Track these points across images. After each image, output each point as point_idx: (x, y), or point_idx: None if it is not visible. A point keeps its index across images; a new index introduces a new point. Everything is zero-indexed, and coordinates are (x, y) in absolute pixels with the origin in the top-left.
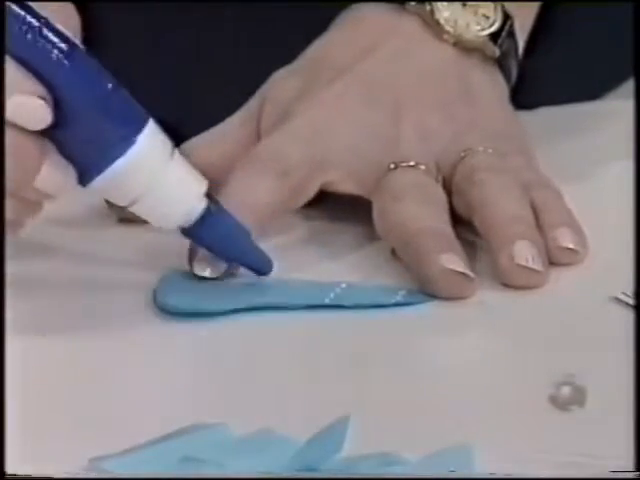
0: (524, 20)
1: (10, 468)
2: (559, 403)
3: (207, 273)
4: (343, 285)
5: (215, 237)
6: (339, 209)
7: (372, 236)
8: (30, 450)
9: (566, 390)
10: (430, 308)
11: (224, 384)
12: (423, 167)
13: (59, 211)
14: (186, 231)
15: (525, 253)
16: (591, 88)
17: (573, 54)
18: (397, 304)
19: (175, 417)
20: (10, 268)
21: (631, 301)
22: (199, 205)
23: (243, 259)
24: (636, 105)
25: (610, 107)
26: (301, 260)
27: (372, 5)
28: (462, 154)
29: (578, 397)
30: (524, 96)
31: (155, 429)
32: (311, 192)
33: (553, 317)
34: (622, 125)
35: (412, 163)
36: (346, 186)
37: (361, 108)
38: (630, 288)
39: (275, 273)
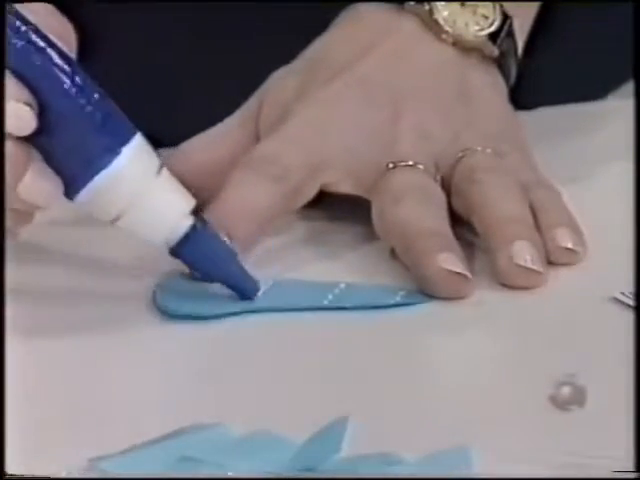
0: (523, 20)
1: (10, 468)
2: (559, 403)
3: None
4: (342, 286)
5: (200, 256)
6: (338, 209)
7: (371, 236)
8: (30, 450)
9: (566, 390)
10: (429, 308)
11: (223, 384)
12: (421, 167)
13: (59, 213)
14: (171, 249)
15: (524, 253)
16: (591, 89)
17: (573, 54)
18: (396, 305)
19: (174, 417)
20: (10, 269)
21: (631, 301)
22: (185, 223)
23: (228, 280)
24: (636, 105)
25: (610, 107)
26: (300, 260)
27: (371, 5)
28: (460, 154)
29: (578, 397)
30: (524, 96)
31: (154, 429)
32: (310, 194)
33: (553, 317)
34: (622, 125)
35: (410, 163)
36: (345, 187)
37: (359, 108)
38: (630, 288)
39: (274, 274)
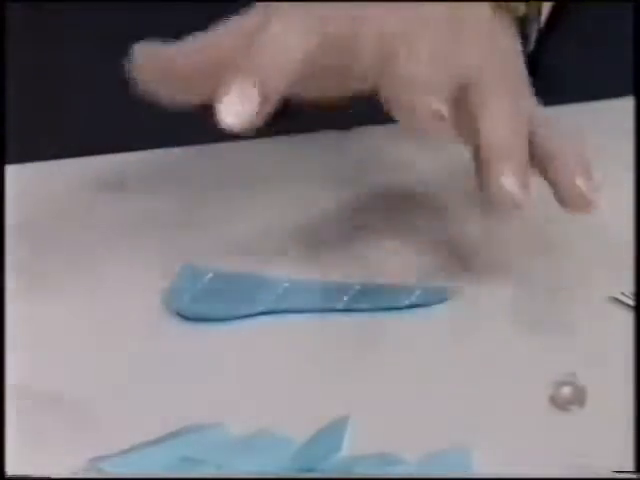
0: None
1: (10, 468)
2: (559, 403)
3: (230, 120)
4: (357, 287)
5: None
6: (352, 208)
7: (386, 235)
8: (30, 450)
9: (566, 390)
10: (430, 310)
11: (223, 384)
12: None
13: (73, 213)
14: None
15: (511, 185)
16: (594, 90)
17: (575, 55)
18: (411, 305)
19: (175, 417)
20: (14, 267)
21: (631, 301)
22: None
23: None
24: (636, 105)
25: (610, 107)
26: (314, 260)
27: None
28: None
29: (578, 397)
30: None
31: (154, 429)
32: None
33: (553, 317)
34: (622, 125)
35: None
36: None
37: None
38: (630, 288)
39: (289, 274)
